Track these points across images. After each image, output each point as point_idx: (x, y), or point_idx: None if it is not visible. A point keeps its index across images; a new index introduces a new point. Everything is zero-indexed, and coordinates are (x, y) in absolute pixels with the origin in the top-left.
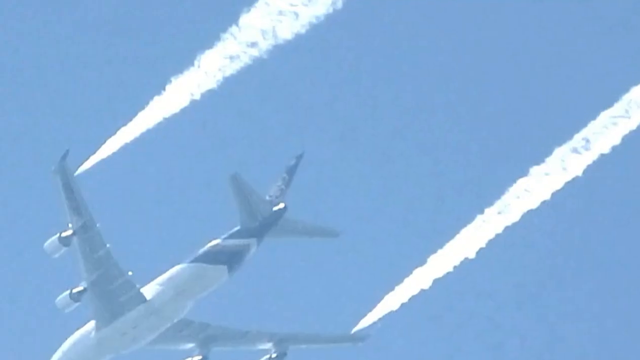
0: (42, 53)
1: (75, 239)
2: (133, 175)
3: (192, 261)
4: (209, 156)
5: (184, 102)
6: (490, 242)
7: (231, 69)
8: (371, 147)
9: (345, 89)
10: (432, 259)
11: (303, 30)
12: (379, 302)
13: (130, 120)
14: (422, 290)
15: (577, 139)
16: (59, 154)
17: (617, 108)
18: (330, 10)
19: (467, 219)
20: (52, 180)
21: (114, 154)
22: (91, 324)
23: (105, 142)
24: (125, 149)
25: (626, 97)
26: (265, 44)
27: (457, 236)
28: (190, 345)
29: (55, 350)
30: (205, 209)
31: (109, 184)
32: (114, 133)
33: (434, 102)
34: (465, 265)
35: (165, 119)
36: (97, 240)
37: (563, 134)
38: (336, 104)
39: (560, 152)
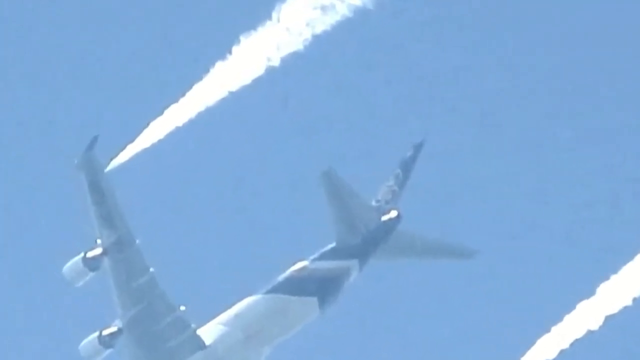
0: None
1: (106, 261)
2: (184, 172)
3: (268, 292)
4: (290, 143)
5: (257, 69)
6: None
7: (323, 23)
8: (514, 135)
9: (482, 56)
10: (602, 289)
11: None
12: (529, 347)
13: (182, 96)
14: (590, 332)
15: None
16: (84, 142)
17: None
18: None
19: None
20: (75, 178)
21: (158, 142)
22: None
23: (146, 126)
24: (174, 135)
25: None
26: None
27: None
28: None
29: None
30: (285, 217)
31: (151, 184)
32: (159, 114)
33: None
34: None
35: (230, 93)
36: (136, 261)
37: None
38: (466, 77)
39: None
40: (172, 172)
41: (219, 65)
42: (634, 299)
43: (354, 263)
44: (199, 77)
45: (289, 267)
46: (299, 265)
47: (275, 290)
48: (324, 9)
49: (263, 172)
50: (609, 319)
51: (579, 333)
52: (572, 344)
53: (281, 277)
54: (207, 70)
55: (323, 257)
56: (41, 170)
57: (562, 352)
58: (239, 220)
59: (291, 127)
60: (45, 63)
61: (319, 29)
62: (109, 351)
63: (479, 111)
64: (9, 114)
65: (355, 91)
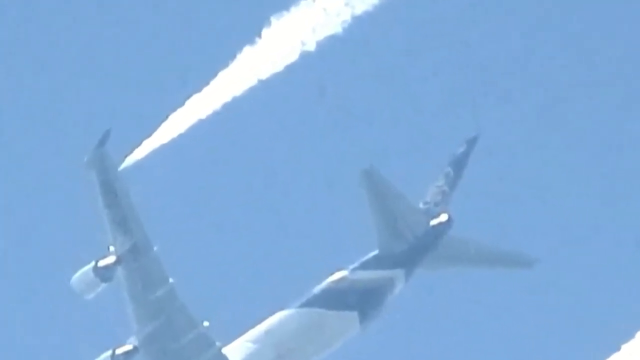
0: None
1: (120, 270)
2: (207, 171)
3: (302, 305)
4: (327, 138)
5: (290, 55)
6: None
7: (364, 2)
8: (578, 128)
9: (542, 39)
10: None
11: None
12: None
13: (205, 85)
14: None
15: None
16: (95, 137)
17: None
18: None
19: None
20: (84, 177)
21: (178, 137)
22: None
23: (165, 118)
24: (196, 129)
25: None
26: None
27: None
28: None
29: None
30: (321, 221)
31: (170, 184)
32: (180, 105)
33: None
34: None
35: (259, 81)
36: (154, 271)
37: None
38: (525, 63)
39: None
40: (193, 170)
41: (247, 50)
42: None
43: (398, 273)
44: (224, 64)
45: (326, 277)
46: (337, 275)
47: (310, 303)
48: None
49: (296, 171)
50: None
51: None
52: None
53: (317, 288)
54: (233, 56)
55: (364, 266)
56: (46, 168)
57: None
58: (269, 224)
59: (328, 120)
60: (51, 47)
61: (359, 9)
62: None
63: (539, 101)
64: (11, 104)
65: (400, 79)
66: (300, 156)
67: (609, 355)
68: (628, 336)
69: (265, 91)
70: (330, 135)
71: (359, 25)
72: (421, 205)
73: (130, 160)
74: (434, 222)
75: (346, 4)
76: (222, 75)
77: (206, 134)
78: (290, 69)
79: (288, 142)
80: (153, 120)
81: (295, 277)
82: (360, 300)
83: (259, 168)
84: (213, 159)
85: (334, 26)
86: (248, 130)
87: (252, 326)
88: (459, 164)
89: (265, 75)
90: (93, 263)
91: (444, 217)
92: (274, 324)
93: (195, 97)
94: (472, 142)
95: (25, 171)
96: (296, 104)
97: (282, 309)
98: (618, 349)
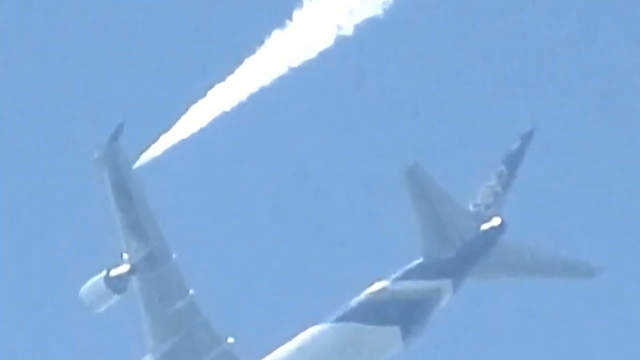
0: None
1: (134, 280)
2: (231, 170)
3: (338, 319)
4: (366, 132)
5: (325, 40)
6: None
7: None
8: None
9: (605, 23)
10: None
11: None
12: None
13: (229, 73)
14: None
15: None
16: (107, 131)
17: None
18: None
19: None
20: (95, 176)
21: (199, 131)
22: None
23: (184, 111)
24: (219, 123)
25: None
26: None
27: None
28: None
29: None
30: (359, 226)
31: (190, 184)
32: (201, 96)
33: None
34: None
35: (290, 69)
36: (173, 281)
37: None
38: (586, 49)
39: None
40: (216, 169)
41: (277, 34)
42: None
43: (445, 283)
44: (251, 50)
45: (365, 288)
46: (377, 286)
47: (347, 317)
48: None
49: (330, 170)
50: None
51: None
52: None
53: (355, 301)
54: (261, 41)
55: (407, 275)
56: (51, 166)
57: None
58: (300, 229)
59: (366, 113)
60: (59, 30)
61: None
62: None
63: (602, 91)
64: (11, 92)
65: (447, 67)
66: (335, 153)
67: None
68: None
69: (297, 80)
70: (368, 129)
71: (402, 6)
72: (471, 208)
73: (146, 157)
74: (485, 226)
75: None
76: (249, 63)
77: (230, 129)
78: (324, 55)
79: (322, 137)
80: (171, 112)
81: (330, 288)
82: (403, 313)
83: (289, 167)
84: (238, 156)
85: (374, 8)
86: (277, 125)
87: (282, 343)
88: (513, 161)
89: (296, 62)
90: (104, 272)
91: (496, 221)
92: (307, 340)
93: (219, 87)
94: (527, 137)
95: (27, 169)
96: (331, 95)
97: (315, 323)
98: None
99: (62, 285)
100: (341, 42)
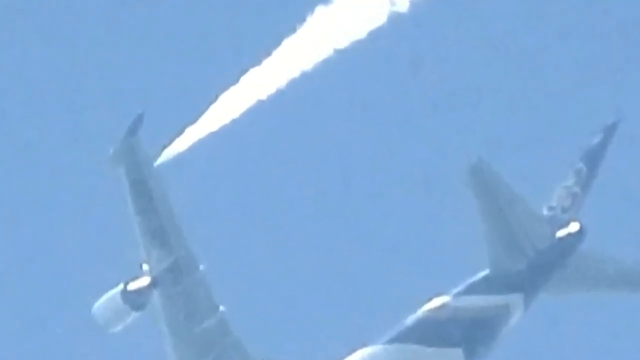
0: None
1: (156, 295)
2: (266, 168)
3: (391, 340)
4: (422, 124)
5: (376, 17)
6: None
7: None
8: None
9: None
10: None
11: None
12: None
13: (265, 56)
14: None
15: None
16: (124, 123)
17: None
18: None
19: None
20: (110, 175)
21: (230, 123)
22: None
23: (213, 99)
24: (253, 113)
25: None
26: None
27: None
28: None
29: None
30: (415, 232)
31: (219, 185)
32: (232, 82)
33: None
34: None
35: (336, 51)
36: (200, 297)
37: None
38: None
39: None
40: (250, 167)
41: (320, 11)
42: None
43: (515, 298)
44: (290, 29)
45: (422, 304)
46: (437, 301)
47: (401, 338)
48: None
49: (382, 167)
50: None
51: None
52: None
53: (410, 319)
54: (302, 19)
55: (471, 289)
56: (60, 164)
57: None
58: (346, 237)
59: (423, 102)
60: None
61: None
62: None
63: None
64: (16, 80)
65: (516, 49)
66: (386, 149)
67: None
68: None
69: (343, 64)
70: (425, 121)
71: None
72: (545, 212)
73: (169, 153)
74: (561, 233)
75: None
76: (288, 44)
77: (267, 120)
78: (375, 35)
79: (371, 130)
80: (198, 101)
81: (382, 304)
82: (466, 333)
83: (333, 164)
84: (275, 152)
85: None
86: (320, 116)
87: None
88: (593, 158)
89: (343, 43)
90: (121, 286)
91: (574, 227)
92: None
93: (253, 72)
94: (610, 130)
95: (33, 167)
96: (382, 82)
97: (365, 345)
98: None
99: (72, 301)
100: (395, 20)
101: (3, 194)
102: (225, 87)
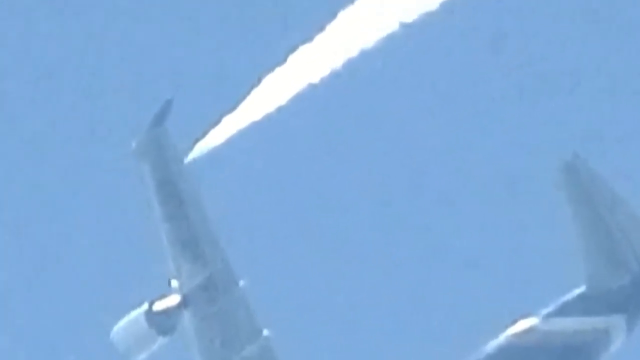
0: None
1: (187, 317)
2: (317, 164)
3: None
4: (502, 114)
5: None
6: None
7: None
8: None
9: None
10: None
11: None
12: None
13: (308, 39)
14: None
15: None
16: (149, 113)
17: None
18: None
19: None
20: (132, 172)
21: (276, 112)
22: None
23: (256, 83)
24: (298, 103)
25: None
26: None
27: None
28: None
29: None
30: (495, 242)
31: (263, 185)
32: (280, 62)
33: None
34: None
35: (402, 25)
36: (240, 318)
37: None
38: None
39: None
40: (299, 163)
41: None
42: None
43: (617, 320)
44: (340, 5)
45: (506, 327)
46: (523, 324)
47: None
48: None
49: (457, 165)
50: None
51: None
52: None
53: (492, 344)
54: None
55: (564, 310)
56: (75, 161)
57: None
58: (415, 246)
59: (506, 85)
60: None
61: None
62: None
63: None
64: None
65: (621, 22)
66: (462, 143)
67: None
68: None
69: (411, 42)
70: (509, 110)
71: None
72: None
73: (202, 147)
74: None
75: None
76: (345, 16)
77: (319, 109)
78: (447, 8)
79: (444, 120)
80: (238, 85)
81: (459, 328)
82: None
83: (400, 162)
84: (329, 147)
85: None
86: (383, 103)
87: None
88: None
89: (411, 16)
90: (146, 306)
91: None
92: None
93: (303, 50)
94: None
95: (37, 163)
96: (457, 63)
97: None
98: None
99: (87, 324)
100: None
101: (4, 194)
102: (270, 68)
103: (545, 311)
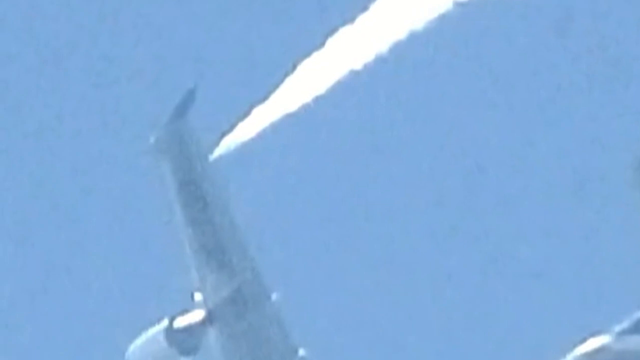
0: None
1: (212, 334)
2: (359, 160)
3: None
4: (566, 105)
5: None
6: None
7: None
8: None
9: None
10: None
11: None
12: None
13: (349, 22)
14: None
15: None
16: (170, 103)
17: None
18: None
19: None
20: (151, 169)
21: (313, 103)
22: None
23: (291, 71)
24: (345, 89)
25: None
26: None
27: None
28: None
29: None
30: (560, 250)
31: (297, 186)
32: (316, 48)
33: None
34: None
35: (456, 3)
36: (272, 336)
37: None
38: None
39: None
40: (338, 162)
41: None
42: None
43: None
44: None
45: (576, 346)
46: (594, 343)
47: None
48: None
49: (515, 163)
50: None
51: None
52: None
53: None
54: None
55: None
56: (87, 156)
57: None
58: (471, 257)
59: (572, 72)
60: None
61: None
62: None
63: None
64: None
65: None
66: (524, 138)
67: None
68: None
69: (465, 23)
70: (576, 100)
71: None
72: None
73: (229, 142)
74: None
75: None
76: (376, 8)
77: (362, 98)
78: None
79: (503, 112)
80: (269, 73)
81: (523, 346)
82: None
83: (454, 160)
84: (374, 142)
85: None
86: (433, 92)
87: None
88: None
89: None
90: (166, 322)
91: None
92: None
93: (343, 33)
94: None
95: (48, 160)
96: (517, 47)
97: None
98: None
99: (101, 343)
100: None
101: (5, 195)
102: (306, 53)
103: (618, 328)
